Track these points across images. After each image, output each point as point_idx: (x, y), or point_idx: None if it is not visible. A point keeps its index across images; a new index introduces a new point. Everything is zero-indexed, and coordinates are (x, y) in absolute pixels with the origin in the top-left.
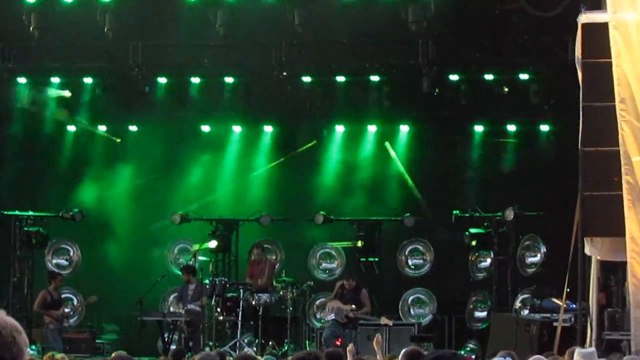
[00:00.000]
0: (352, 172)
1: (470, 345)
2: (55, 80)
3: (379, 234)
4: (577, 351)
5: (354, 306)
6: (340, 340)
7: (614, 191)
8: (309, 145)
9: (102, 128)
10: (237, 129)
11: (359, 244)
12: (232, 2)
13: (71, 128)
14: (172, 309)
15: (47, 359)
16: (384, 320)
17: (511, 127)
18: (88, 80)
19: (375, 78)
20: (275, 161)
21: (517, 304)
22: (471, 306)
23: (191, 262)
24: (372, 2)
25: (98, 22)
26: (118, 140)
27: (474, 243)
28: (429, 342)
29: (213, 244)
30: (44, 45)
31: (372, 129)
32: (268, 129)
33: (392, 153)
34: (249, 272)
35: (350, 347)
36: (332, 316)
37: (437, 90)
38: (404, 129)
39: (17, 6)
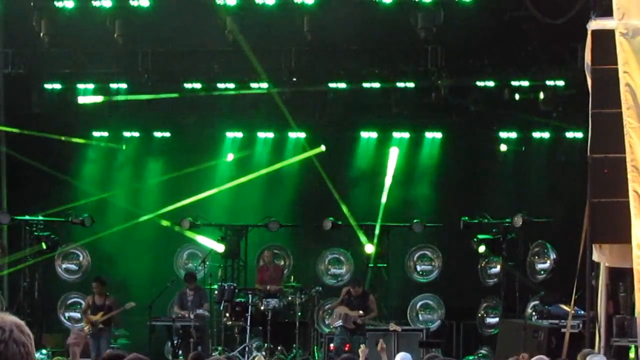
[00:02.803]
0: (361, 178)
1: (483, 351)
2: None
3: (388, 240)
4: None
5: (361, 312)
6: (348, 346)
7: (622, 198)
8: (316, 151)
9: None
10: (250, 135)
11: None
12: (241, 9)
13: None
14: (173, 316)
15: None
16: (392, 326)
17: (519, 134)
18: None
19: (383, 85)
20: (279, 167)
21: (528, 311)
22: (482, 312)
23: (200, 268)
24: (382, 8)
25: (109, 29)
26: (124, 147)
27: (480, 249)
28: (437, 348)
29: (220, 248)
30: (54, 51)
31: (380, 135)
32: (277, 135)
33: (392, 160)
34: (258, 278)
35: (362, 347)
36: (339, 322)
37: (447, 97)
38: (413, 135)
39: (28, 13)
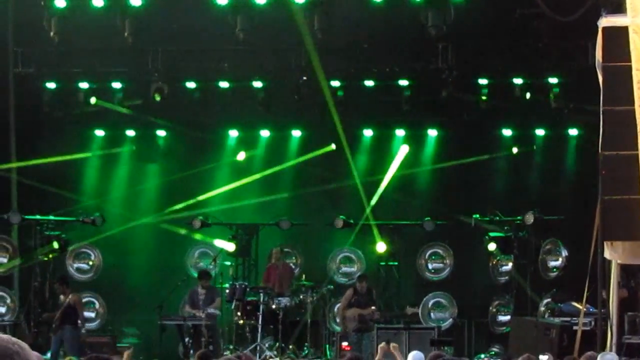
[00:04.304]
0: (372, 176)
1: (495, 349)
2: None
3: (399, 238)
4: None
5: (373, 307)
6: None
7: (634, 195)
8: (327, 149)
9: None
10: (260, 133)
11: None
12: (252, 7)
13: (99, 133)
14: (185, 315)
15: None
16: (409, 310)
17: (530, 132)
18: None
19: (394, 82)
20: (293, 165)
21: (541, 308)
22: (494, 310)
23: (211, 267)
24: (392, 6)
25: (118, 27)
26: (134, 147)
27: (490, 247)
28: (449, 346)
29: (231, 247)
30: (64, 50)
31: (391, 133)
32: (287, 133)
33: (399, 157)
34: (264, 276)
35: (383, 344)
36: (355, 325)
37: (457, 95)
38: (424, 133)
39: (38, 11)
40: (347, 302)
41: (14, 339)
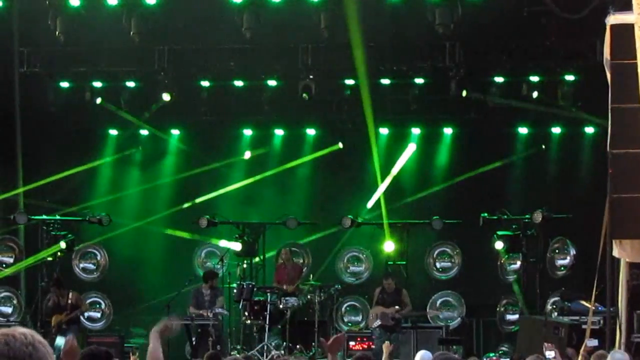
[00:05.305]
0: (381, 175)
1: (503, 348)
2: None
3: (407, 237)
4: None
5: (397, 307)
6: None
7: None
8: (333, 148)
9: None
10: (266, 132)
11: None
12: (258, 6)
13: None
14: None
15: None
16: (431, 313)
17: (537, 129)
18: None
19: (401, 81)
20: (297, 164)
21: (548, 307)
22: (502, 309)
23: (218, 266)
24: (399, 4)
25: (124, 27)
26: (140, 147)
27: (497, 246)
28: (457, 345)
29: (237, 246)
30: (69, 49)
31: (399, 131)
32: (293, 132)
33: (406, 156)
34: (276, 277)
35: (387, 343)
36: (378, 322)
37: (464, 93)
38: (430, 132)
39: (43, 11)
40: (375, 300)
41: (29, 339)
